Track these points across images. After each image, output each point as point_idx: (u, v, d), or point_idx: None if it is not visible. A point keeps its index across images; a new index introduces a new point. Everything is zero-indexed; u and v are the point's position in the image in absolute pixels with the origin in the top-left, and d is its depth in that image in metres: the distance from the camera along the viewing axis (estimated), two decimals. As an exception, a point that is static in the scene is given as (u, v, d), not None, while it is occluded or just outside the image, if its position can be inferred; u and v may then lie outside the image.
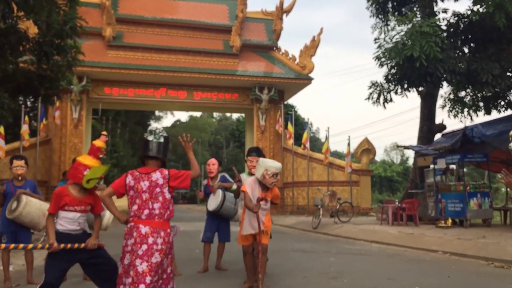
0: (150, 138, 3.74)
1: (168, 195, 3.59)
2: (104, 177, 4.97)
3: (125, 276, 3.41)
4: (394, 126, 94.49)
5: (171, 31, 24.55)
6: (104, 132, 4.60)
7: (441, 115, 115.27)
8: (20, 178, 5.64)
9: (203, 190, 6.76)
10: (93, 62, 20.69)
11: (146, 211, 3.51)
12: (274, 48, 25.85)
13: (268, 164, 5.11)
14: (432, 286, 5.85)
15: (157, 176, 3.60)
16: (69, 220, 3.87)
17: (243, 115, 31.95)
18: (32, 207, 5.48)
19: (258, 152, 6.07)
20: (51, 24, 10.39)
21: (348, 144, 19.74)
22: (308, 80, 24.03)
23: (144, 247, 3.40)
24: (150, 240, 3.42)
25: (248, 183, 5.15)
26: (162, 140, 3.76)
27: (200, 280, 6.03)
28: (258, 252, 4.93)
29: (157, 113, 57.60)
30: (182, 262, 6.97)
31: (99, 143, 4.16)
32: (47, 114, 20.67)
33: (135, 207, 3.54)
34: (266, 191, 5.14)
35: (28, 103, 23.06)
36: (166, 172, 3.64)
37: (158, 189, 3.56)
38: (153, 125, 60.27)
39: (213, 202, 6.46)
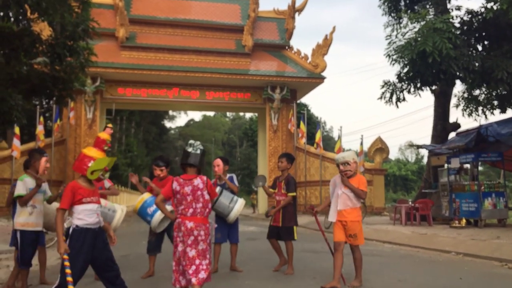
0: (189, 149, 4.58)
1: (207, 197, 4.46)
2: (119, 177, 5.06)
3: (182, 259, 4.31)
4: (409, 125, 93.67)
5: (184, 31, 24.65)
6: (110, 125, 4.67)
7: (455, 114, 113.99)
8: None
9: None
10: (107, 63, 20.89)
11: (190, 210, 4.39)
12: (286, 47, 25.79)
13: (335, 157, 5.81)
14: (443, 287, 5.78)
15: (198, 182, 4.45)
16: (89, 212, 3.92)
17: (256, 114, 32.02)
18: (49, 208, 5.56)
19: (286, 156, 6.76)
20: (65, 26, 10.52)
21: (361, 143, 19.61)
22: (321, 79, 23.94)
23: (192, 238, 4.31)
24: (195, 232, 4.33)
25: (333, 179, 5.85)
26: (198, 152, 4.57)
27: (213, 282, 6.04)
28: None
29: (171, 112, 57.98)
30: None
31: (104, 135, 4.23)
32: (61, 115, 20.94)
33: (181, 207, 4.41)
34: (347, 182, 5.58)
35: (44, 103, 23.39)
36: (204, 178, 4.50)
37: (199, 192, 4.42)
38: (167, 124, 60.83)
39: None
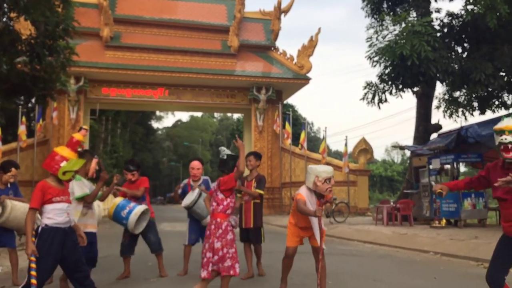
0: (220, 156, 5.28)
1: (220, 196, 4.99)
2: (104, 181, 5.05)
3: (208, 251, 4.87)
4: (395, 125, 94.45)
5: (169, 31, 24.56)
6: (85, 126, 4.65)
7: (437, 115, 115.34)
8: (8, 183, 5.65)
9: (182, 190, 6.68)
10: (91, 63, 20.74)
11: (218, 207, 5.00)
12: (272, 48, 25.84)
13: (318, 170, 4.79)
14: (417, 287, 5.84)
15: (217, 183, 5.08)
16: (59, 212, 3.89)
17: (242, 115, 32.00)
18: (18, 211, 5.50)
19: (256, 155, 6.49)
20: (48, 25, 10.43)
21: (346, 144, 19.77)
22: (306, 80, 24.03)
23: (220, 231, 4.89)
24: (223, 225, 4.92)
25: (304, 192, 4.84)
26: (225, 157, 5.17)
27: (185, 283, 6.03)
28: (319, 257, 4.80)
29: (158, 113, 57.67)
30: (171, 264, 6.96)
31: (79, 136, 4.20)
32: (44, 115, 20.70)
33: (214, 204, 5.03)
34: (322, 199, 4.91)
35: (29, 104, 23.13)
36: (219, 180, 5.06)
37: (217, 193, 5.03)
38: (154, 125, 60.47)
39: (188, 198, 6.33)
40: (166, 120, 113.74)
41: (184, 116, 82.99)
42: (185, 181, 6.76)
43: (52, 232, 3.85)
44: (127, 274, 6.27)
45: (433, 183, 12.63)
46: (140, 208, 6.01)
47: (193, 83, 23.23)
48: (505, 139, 3.72)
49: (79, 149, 4.39)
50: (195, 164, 6.59)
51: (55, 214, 3.88)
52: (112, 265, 7.17)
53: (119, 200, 6.07)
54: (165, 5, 25.27)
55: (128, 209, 5.92)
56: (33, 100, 16.98)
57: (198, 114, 68.14)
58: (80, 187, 5.07)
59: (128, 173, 6.31)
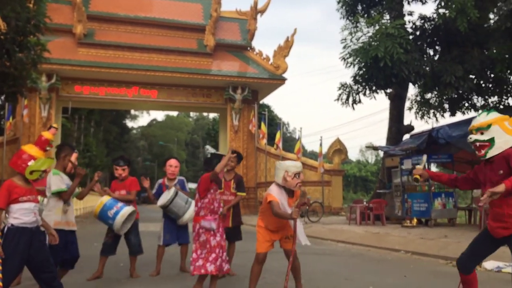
0: (205, 154, 5.29)
1: (196, 196, 5.08)
2: (81, 178, 4.88)
3: (200, 248, 4.96)
4: (369, 126, 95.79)
5: (144, 29, 24.32)
6: (55, 125, 4.54)
7: (409, 117, 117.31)
8: None
9: (156, 190, 6.63)
10: (63, 60, 20.37)
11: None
12: (248, 48, 25.87)
13: (287, 165, 4.66)
14: (387, 285, 5.93)
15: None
16: (25, 211, 3.81)
17: (218, 114, 31.90)
18: None
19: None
20: (19, 21, 10.18)
21: (321, 145, 19.94)
22: (282, 80, 24.14)
23: (194, 233, 5.06)
24: (196, 228, 5.06)
25: (274, 191, 4.63)
26: (209, 155, 5.39)
27: (158, 283, 5.98)
28: (292, 258, 4.65)
29: (132, 112, 57.00)
30: (143, 264, 6.89)
31: (48, 135, 4.11)
32: (14, 113, 20.23)
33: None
34: (292, 196, 4.72)
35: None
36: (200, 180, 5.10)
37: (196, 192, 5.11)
38: (128, 124, 59.75)
39: (164, 197, 6.27)
40: (141, 119, 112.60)
41: (159, 115, 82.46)
42: (160, 181, 6.70)
43: (18, 232, 3.77)
44: (99, 274, 6.17)
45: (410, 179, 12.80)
46: (127, 209, 5.95)
47: (168, 82, 23.04)
48: (470, 138, 3.73)
49: (55, 144, 4.26)
50: (173, 162, 6.55)
51: (22, 214, 3.80)
52: (82, 266, 7.04)
53: (106, 199, 5.96)
54: (140, 2, 25.00)
55: (116, 209, 5.83)
56: (2, 98, 16.60)
57: (174, 113, 67.73)
58: (56, 182, 4.83)
59: (119, 168, 6.19)
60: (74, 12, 22.50)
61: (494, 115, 3.69)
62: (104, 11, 23.91)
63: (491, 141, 3.59)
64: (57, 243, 4.16)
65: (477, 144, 3.66)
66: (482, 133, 3.64)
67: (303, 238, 4.77)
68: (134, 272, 6.29)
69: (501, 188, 3.30)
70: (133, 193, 6.24)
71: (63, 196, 4.85)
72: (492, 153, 3.58)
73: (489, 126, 3.62)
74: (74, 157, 5.02)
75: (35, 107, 20.89)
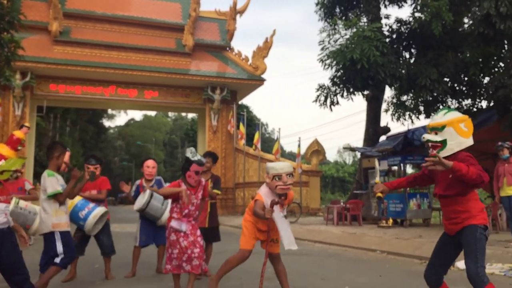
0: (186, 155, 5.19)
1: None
2: (76, 180, 4.78)
3: (171, 247, 5.02)
4: (347, 127, 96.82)
5: (122, 28, 24.06)
6: (27, 124, 4.46)
7: (386, 118, 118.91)
8: None
9: (134, 191, 6.56)
10: (38, 58, 19.99)
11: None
12: (227, 48, 25.84)
13: (268, 166, 4.53)
14: (363, 285, 6.01)
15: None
16: None
17: (196, 114, 31.77)
18: None
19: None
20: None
21: (299, 145, 20.02)
22: (261, 81, 24.19)
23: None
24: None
25: (262, 191, 4.54)
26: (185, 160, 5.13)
27: (133, 285, 5.92)
28: (265, 259, 4.65)
29: (110, 111, 56.19)
30: (118, 265, 6.81)
31: (20, 134, 4.04)
32: (-13, 111, 19.73)
33: None
34: (283, 197, 4.57)
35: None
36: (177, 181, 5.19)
37: None
38: (105, 123, 58.91)
39: (139, 201, 6.22)
40: (119, 119, 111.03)
41: (137, 115, 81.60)
42: (138, 182, 6.64)
43: None
44: (72, 275, 6.07)
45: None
46: (99, 210, 5.88)
47: (146, 81, 22.84)
48: (423, 138, 3.68)
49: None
50: (150, 162, 6.52)
51: None
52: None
53: (77, 199, 5.87)
54: (118, 1, 24.75)
55: (87, 210, 5.76)
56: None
57: (152, 113, 67.07)
58: (52, 184, 4.68)
59: (91, 167, 6.06)
60: (50, 9, 22.10)
61: (451, 115, 3.61)
62: (80, 9, 23.56)
63: (443, 142, 3.55)
64: (27, 246, 4.10)
65: (429, 144, 3.62)
66: (436, 133, 3.59)
67: (287, 242, 4.50)
68: (109, 273, 6.21)
69: (449, 163, 3.34)
70: (103, 192, 6.18)
71: (58, 198, 4.75)
72: (442, 154, 3.51)
73: (443, 127, 3.56)
74: (67, 156, 4.96)
75: (8, 106, 20.44)
